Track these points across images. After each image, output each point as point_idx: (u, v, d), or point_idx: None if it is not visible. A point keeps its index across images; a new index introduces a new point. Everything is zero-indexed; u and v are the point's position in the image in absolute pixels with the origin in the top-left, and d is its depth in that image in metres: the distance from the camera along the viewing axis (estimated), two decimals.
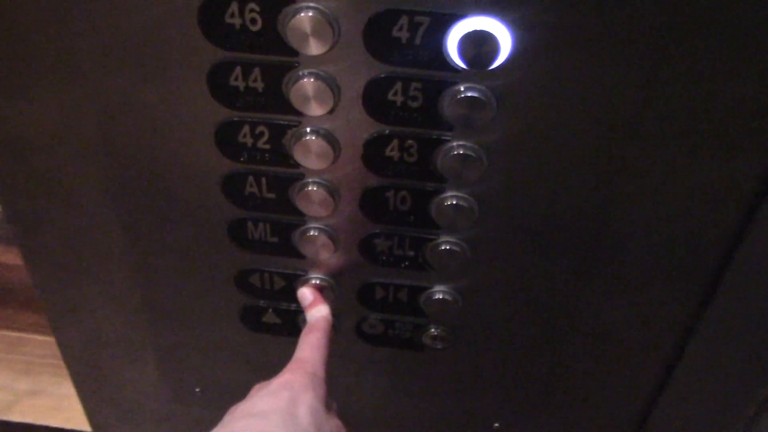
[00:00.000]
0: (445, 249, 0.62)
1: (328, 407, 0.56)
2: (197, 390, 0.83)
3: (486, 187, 0.58)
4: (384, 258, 0.64)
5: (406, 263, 0.65)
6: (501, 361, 0.73)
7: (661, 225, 0.59)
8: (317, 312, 0.64)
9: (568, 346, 0.71)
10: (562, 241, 0.61)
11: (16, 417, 1.24)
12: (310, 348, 0.59)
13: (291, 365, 0.57)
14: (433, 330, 0.70)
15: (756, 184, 0.55)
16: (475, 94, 0.51)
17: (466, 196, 0.58)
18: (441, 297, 0.66)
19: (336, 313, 0.67)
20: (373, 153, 0.57)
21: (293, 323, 0.72)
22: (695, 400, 0.70)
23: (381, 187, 0.59)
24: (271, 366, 0.59)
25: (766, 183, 0.55)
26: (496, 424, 0.81)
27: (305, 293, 0.66)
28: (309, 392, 0.53)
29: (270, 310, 0.72)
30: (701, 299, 0.63)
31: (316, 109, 0.54)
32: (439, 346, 0.72)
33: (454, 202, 0.58)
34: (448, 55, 0.50)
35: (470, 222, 0.60)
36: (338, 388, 0.77)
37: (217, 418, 0.54)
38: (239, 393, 0.61)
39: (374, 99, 0.54)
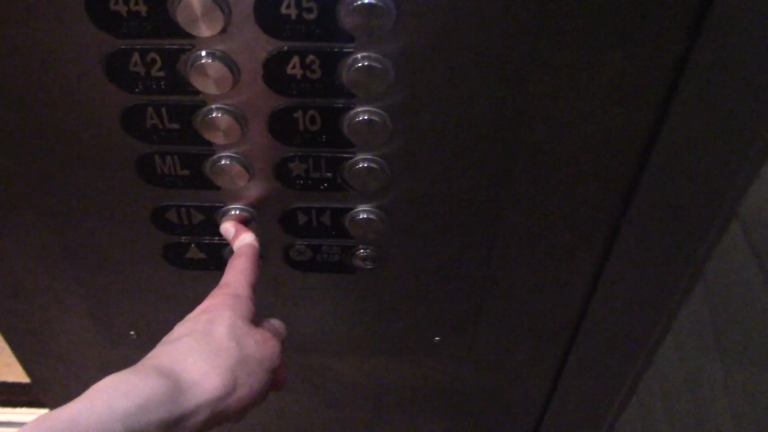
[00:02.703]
0: (363, 167, 0.60)
1: (255, 323, 0.55)
2: (132, 333, 0.82)
3: (396, 99, 0.56)
4: (301, 182, 0.62)
5: (325, 185, 0.63)
6: (434, 276, 0.73)
7: (576, 124, 0.57)
8: (241, 241, 0.63)
9: (498, 254, 0.70)
10: (481, 148, 0.59)
11: None
12: (234, 272, 0.58)
13: (214, 291, 0.56)
14: (361, 251, 0.69)
15: (666, 76, 0.54)
16: (372, 0, 0.49)
17: (377, 110, 0.56)
18: (365, 216, 0.65)
19: (262, 243, 0.65)
20: (274, 72, 0.54)
21: (218, 256, 0.70)
22: (625, 298, 0.70)
23: (288, 107, 0.57)
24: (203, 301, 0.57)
25: (677, 72, 0.53)
26: (437, 338, 0.81)
27: (227, 228, 0.64)
28: (227, 311, 0.53)
29: (193, 246, 0.69)
30: (623, 196, 0.62)
31: (206, 30, 0.51)
32: (369, 267, 0.71)
33: (366, 118, 0.56)
34: None
35: (384, 137, 0.58)
36: (276, 318, 0.76)
37: None
38: None
39: (267, 14, 0.50)
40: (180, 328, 0.53)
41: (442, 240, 0.68)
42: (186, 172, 0.62)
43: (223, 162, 0.60)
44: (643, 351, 0.72)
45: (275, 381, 0.55)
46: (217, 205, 0.65)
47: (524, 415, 0.95)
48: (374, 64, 0.52)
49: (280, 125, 0.58)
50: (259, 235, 0.65)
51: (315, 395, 0.95)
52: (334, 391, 0.94)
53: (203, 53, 0.53)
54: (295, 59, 0.53)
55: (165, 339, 0.52)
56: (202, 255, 0.70)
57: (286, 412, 0.97)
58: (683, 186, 0.58)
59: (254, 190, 0.63)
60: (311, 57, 0.53)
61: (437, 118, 0.57)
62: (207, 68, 0.53)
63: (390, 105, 0.56)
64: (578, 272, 0.72)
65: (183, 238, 0.69)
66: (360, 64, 0.52)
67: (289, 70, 0.54)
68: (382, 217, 0.65)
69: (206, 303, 0.55)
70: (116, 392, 0.42)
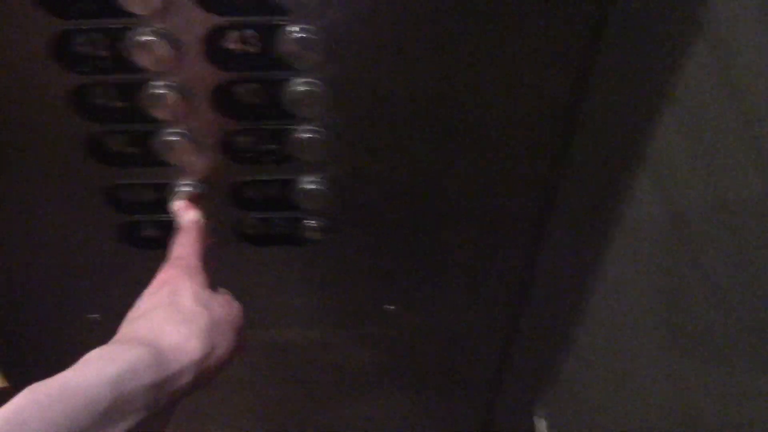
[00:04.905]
0: (306, 138, 0.63)
1: (213, 290, 0.57)
2: (96, 316, 0.83)
3: (334, 70, 0.58)
4: (249, 155, 0.65)
5: (272, 157, 0.65)
6: (382, 244, 0.76)
7: (503, 89, 0.61)
8: (185, 217, 0.64)
9: (442, 220, 0.73)
10: (415, 115, 0.62)
11: None
12: (182, 246, 0.60)
13: (164, 265, 0.58)
14: (311, 222, 0.72)
15: (586, 38, 0.57)
16: None
17: (315, 80, 0.59)
18: (312, 187, 0.67)
19: (215, 218, 0.68)
20: (214, 48, 0.56)
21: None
22: (563, 247, 0.74)
23: (230, 82, 0.59)
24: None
25: (596, 33, 0.57)
26: (390, 307, 0.84)
27: (177, 206, 0.66)
28: (187, 281, 0.54)
29: (148, 224, 0.71)
30: (554, 155, 0.66)
31: (144, 7, 0.53)
32: (319, 237, 0.73)
33: (305, 89, 0.59)
34: None
35: (324, 107, 0.60)
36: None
37: None
38: None
39: None
40: (144, 303, 0.54)
41: (387, 208, 0.71)
42: (136, 150, 0.64)
43: (171, 138, 0.62)
44: (581, 298, 0.76)
45: (240, 343, 0.56)
46: (168, 181, 0.67)
47: (482, 378, 0.98)
48: (309, 35, 0.55)
49: (223, 100, 0.60)
50: (211, 211, 0.67)
51: (280, 371, 0.97)
52: (297, 366, 0.96)
53: (144, 31, 0.55)
54: (234, 34, 0.56)
55: (130, 315, 0.53)
56: (157, 233, 0.72)
57: (254, 390, 0.99)
58: (606, 140, 0.62)
59: (203, 166, 0.66)
60: (249, 31, 0.55)
61: (373, 87, 0.60)
62: (149, 46, 0.55)
63: (328, 76, 0.59)
64: (520, 231, 0.75)
65: (137, 216, 0.71)
66: (295, 36, 0.55)
67: (229, 45, 0.56)
68: (328, 187, 0.68)
69: (162, 276, 0.56)
70: (103, 360, 0.44)
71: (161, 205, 0.69)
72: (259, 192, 0.68)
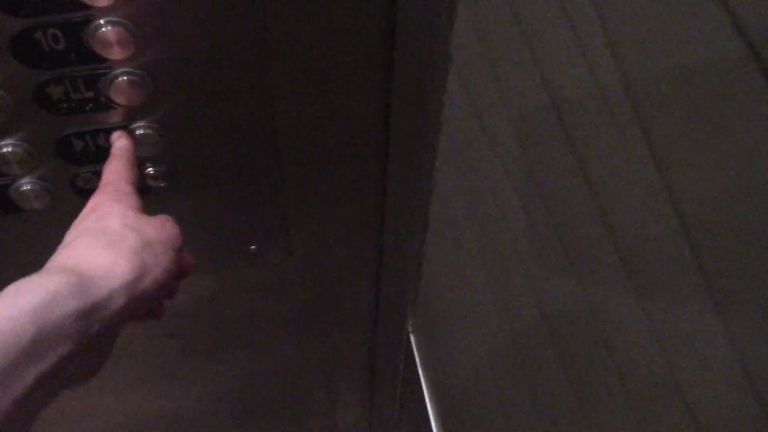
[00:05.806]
0: (122, 81, 0.61)
1: (146, 213, 0.56)
2: None
3: (132, 8, 0.57)
4: (65, 106, 0.63)
5: (91, 105, 0.63)
6: (229, 184, 0.75)
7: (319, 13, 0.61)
8: (116, 143, 0.64)
9: (288, 154, 0.73)
10: (230, 52, 0.61)
11: None
12: (110, 173, 0.59)
13: (96, 192, 0.57)
14: (149, 169, 0.71)
15: None
16: None
17: (116, 19, 0.57)
18: (141, 133, 0.66)
19: (45, 178, 0.66)
20: None
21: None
22: (411, 170, 0.75)
23: (27, 29, 0.56)
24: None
25: None
26: (253, 247, 0.84)
27: (113, 134, 0.65)
28: (115, 205, 0.54)
29: None
30: (382, 76, 0.67)
31: None
32: (162, 185, 0.72)
33: (107, 28, 0.57)
34: None
35: (131, 47, 0.59)
36: None
37: None
38: None
39: None
40: (71, 233, 0.52)
41: (224, 148, 0.71)
42: None
43: None
44: (426, 211, 0.78)
45: (183, 265, 0.56)
46: None
47: (360, 311, 1.00)
48: None
49: (24, 49, 0.58)
50: (41, 170, 0.65)
51: (152, 327, 0.96)
52: (168, 318, 0.95)
53: None
54: None
55: (59, 248, 0.51)
56: None
57: (125, 348, 0.98)
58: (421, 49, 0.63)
59: (20, 122, 0.63)
60: None
61: (180, 21, 0.59)
62: None
63: (129, 13, 0.57)
64: (366, 156, 0.76)
65: None
66: None
67: None
68: (158, 131, 0.67)
69: (91, 203, 0.55)
70: (20, 292, 0.41)
71: None
72: (88, 144, 0.66)
